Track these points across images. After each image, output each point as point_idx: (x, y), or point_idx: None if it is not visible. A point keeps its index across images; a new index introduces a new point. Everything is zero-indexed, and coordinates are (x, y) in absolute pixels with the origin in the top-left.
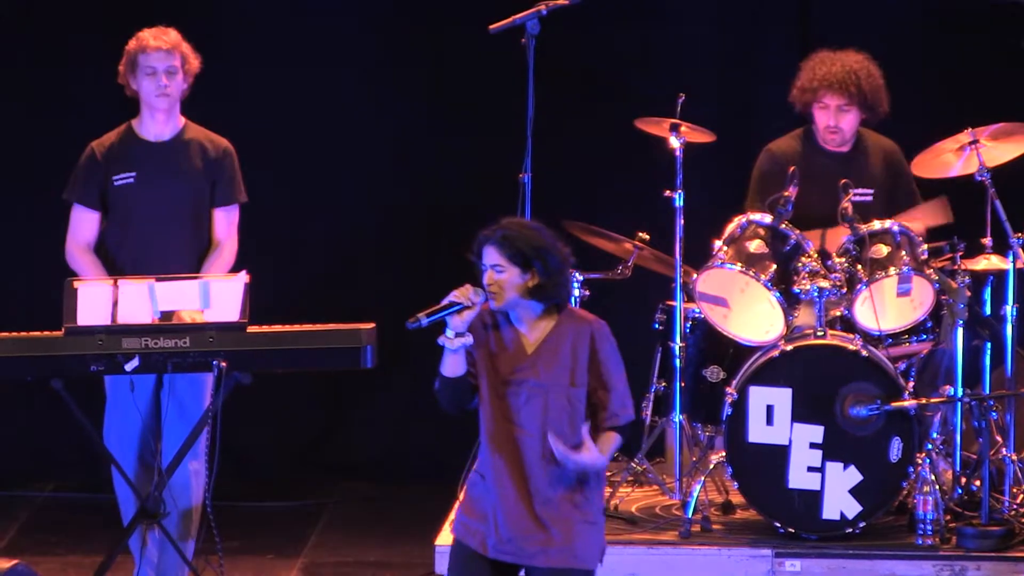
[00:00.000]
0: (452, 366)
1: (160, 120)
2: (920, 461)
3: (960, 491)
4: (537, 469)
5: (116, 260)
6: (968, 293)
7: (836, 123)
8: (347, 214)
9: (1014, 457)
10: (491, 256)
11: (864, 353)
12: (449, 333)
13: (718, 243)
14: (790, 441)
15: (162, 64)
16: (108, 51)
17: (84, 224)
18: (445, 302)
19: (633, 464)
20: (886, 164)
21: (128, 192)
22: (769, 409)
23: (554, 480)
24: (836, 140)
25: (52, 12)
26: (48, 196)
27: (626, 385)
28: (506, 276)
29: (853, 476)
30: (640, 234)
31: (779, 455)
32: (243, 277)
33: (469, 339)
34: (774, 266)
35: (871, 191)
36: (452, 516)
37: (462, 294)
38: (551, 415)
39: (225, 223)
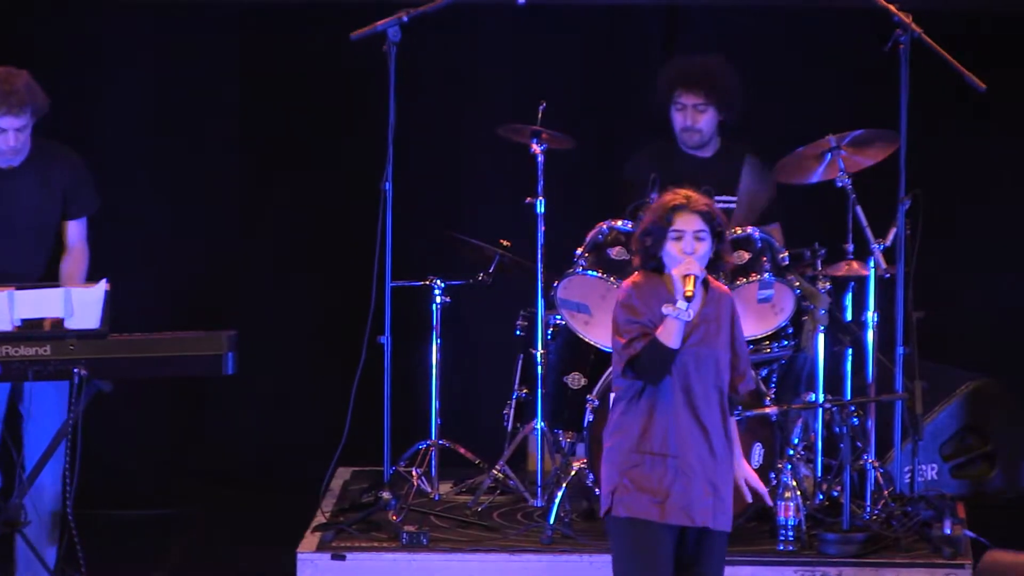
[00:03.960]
0: (679, 337)
1: (8, 155)
2: (782, 467)
3: (821, 497)
4: (712, 435)
5: None
6: (829, 299)
7: (693, 123)
8: (208, 222)
9: (875, 463)
10: (695, 223)
11: None
12: (682, 304)
13: (579, 250)
14: None
15: (12, 125)
16: None
17: None
18: (691, 274)
19: (495, 471)
20: (749, 171)
21: None
22: None
23: (722, 445)
24: (695, 140)
25: None
26: None
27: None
28: (705, 244)
29: None
30: (501, 241)
31: None
32: (103, 285)
33: (693, 310)
34: None
35: (734, 198)
36: (314, 523)
37: (694, 265)
38: (720, 380)
39: (77, 233)
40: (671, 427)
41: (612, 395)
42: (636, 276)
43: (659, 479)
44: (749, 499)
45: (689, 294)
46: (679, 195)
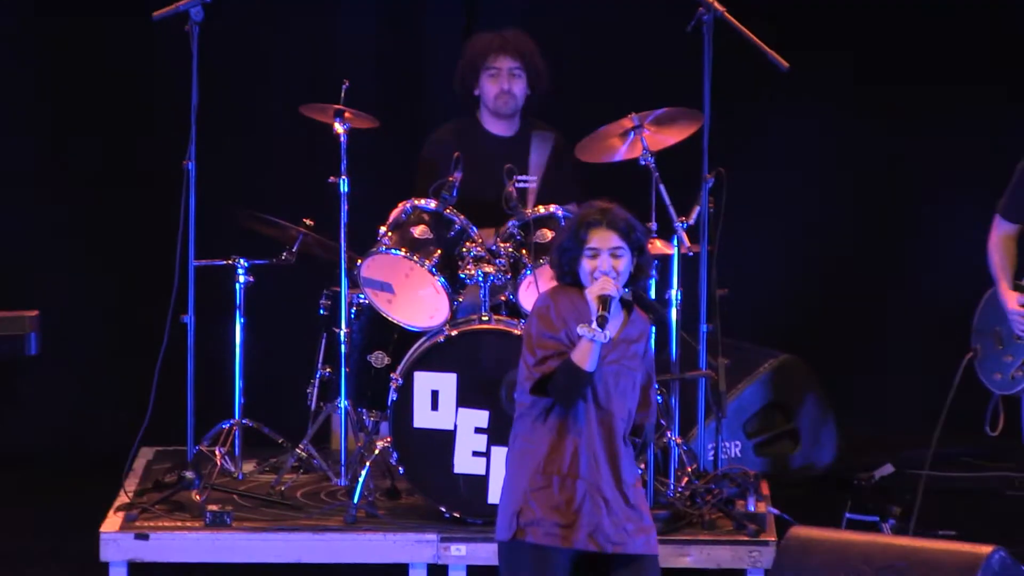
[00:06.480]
0: (595, 360)
1: None
2: None
3: None
4: (623, 454)
5: None
6: None
7: (509, 87)
8: (7, 200)
9: (679, 440)
10: (611, 240)
11: None
12: (598, 326)
13: (383, 229)
14: (455, 426)
15: None
16: None
17: None
18: (607, 295)
19: (298, 450)
20: (550, 150)
21: None
22: (434, 394)
23: (631, 464)
24: (509, 106)
25: None
26: None
27: None
28: (623, 261)
29: None
30: (305, 220)
31: (444, 440)
32: None
33: (610, 332)
34: (439, 251)
35: (534, 177)
36: (117, 503)
37: (611, 285)
38: (634, 402)
39: None
40: (582, 447)
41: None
42: (555, 287)
43: (567, 502)
44: None
45: (601, 320)
46: (594, 210)
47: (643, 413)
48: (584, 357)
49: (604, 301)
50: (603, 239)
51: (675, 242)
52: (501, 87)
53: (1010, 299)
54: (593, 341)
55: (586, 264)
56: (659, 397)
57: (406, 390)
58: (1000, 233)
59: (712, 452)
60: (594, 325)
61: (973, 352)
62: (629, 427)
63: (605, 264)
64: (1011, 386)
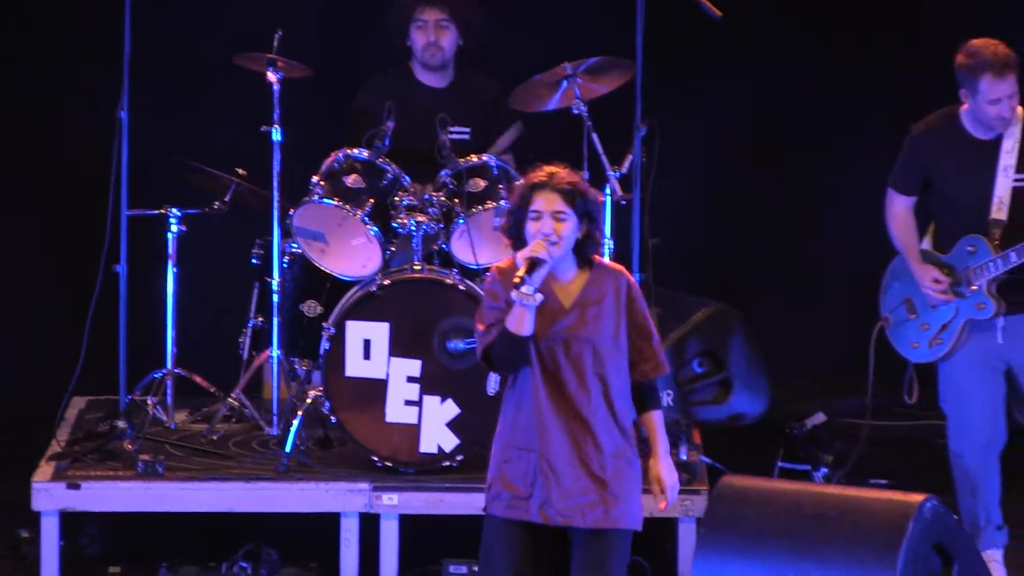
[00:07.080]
0: (529, 324)
1: None
2: None
3: None
4: (594, 424)
5: None
6: None
7: (436, 39)
8: None
9: None
10: (554, 203)
11: (462, 287)
12: (527, 290)
13: (315, 178)
14: (388, 375)
15: None
16: None
17: None
18: (534, 257)
19: (230, 399)
20: (485, 102)
21: None
22: (367, 343)
23: (607, 435)
24: (436, 59)
25: None
26: None
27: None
28: (568, 225)
29: (451, 410)
30: (237, 170)
31: (377, 389)
32: None
33: (541, 296)
34: (372, 200)
35: (468, 129)
36: (49, 453)
37: (541, 248)
38: (603, 368)
39: None
40: (533, 420)
41: None
42: (505, 260)
43: (523, 475)
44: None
45: (517, 280)
46: (541, 173)
47: (647, 367)
48: (518, 322)
49: (532, 264)
50: (547, 201)
51: (607, 191)
52: (428, 39)
53: (923, 273)
54: (522, 305)
55: (530, 227)
56: None
57: (338, 339)
58: (896, 207)
59: None
60: (524, 288)
61: (884, 321)
62: (607, 392)
63: (547, 226)
64: (931, 354)
